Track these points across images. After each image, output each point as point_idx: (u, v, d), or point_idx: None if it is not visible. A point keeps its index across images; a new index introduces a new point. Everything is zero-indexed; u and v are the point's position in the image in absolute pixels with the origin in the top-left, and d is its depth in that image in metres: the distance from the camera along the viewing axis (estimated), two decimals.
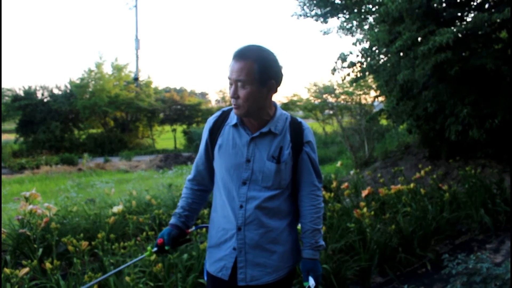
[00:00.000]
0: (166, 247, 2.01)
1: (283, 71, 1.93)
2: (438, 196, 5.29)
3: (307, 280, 1.94)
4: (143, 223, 4.59)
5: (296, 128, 2.00)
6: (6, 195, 9.37)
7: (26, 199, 4.80)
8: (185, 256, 3.63)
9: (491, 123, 5.98)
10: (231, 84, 1.87)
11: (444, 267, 3.48)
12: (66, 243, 3.58)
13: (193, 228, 2.15)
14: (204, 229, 3.78)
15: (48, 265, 3.07)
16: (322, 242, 2.01)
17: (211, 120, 2.09)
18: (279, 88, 1.95)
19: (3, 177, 14.30)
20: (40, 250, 3.92)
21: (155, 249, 2.03)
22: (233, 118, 2.00)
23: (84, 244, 3.42)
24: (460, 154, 7.27)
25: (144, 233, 4.07)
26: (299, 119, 2.05)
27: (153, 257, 3.13)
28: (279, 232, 1.96)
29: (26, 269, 2.94)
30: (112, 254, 3.72)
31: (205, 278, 2.11)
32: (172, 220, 2.08)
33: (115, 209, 4.73)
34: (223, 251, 1.97)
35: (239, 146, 1.96)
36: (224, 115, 2.06)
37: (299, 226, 2.09)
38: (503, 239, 4.66)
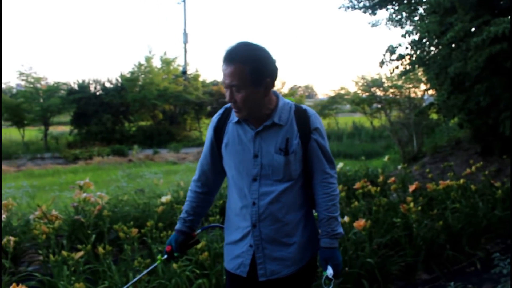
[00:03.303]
0: (175, 254, 2.07)
1: (277, 64, 1.87)
2: (489, 193, 5.12)
3: (326, 270, 1.92)
4: None
5: (301, 116, 1.95)
6: (62, 184, 9.84)
7: (80, 187, 5.04)
8: None
9: None
10: (226, 89, 1.84)
11: (494, 266, 3.38)
12: (117, 230, 3.74)
13: (199, 230, 2.17)
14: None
15: (100, 250, 3.23)
16: (340, 230, 1.96)
17: (214, 118, 2.06)
18: (276, 82, 1.91)
19: (59, 167, 14.98)
20: (93, 236, 4.11)
21: (165, 256, 2.10)
22: (235, 115, 1.96)
23: (134, 231, 3.57)
24: None
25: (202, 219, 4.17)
26: (304, 106, 1.99)
27: (199, 245, 3.22)
28: (294, 225, 1.95)
29: (81, 253, 3.12)
30: (160, 242, 3.85)
31: None
32: (178, 226, 2.10)
33: (164, 199, 4.88)
34: (240, 248, 1.97)
35: (245, 142, 1.93)
36: (227, 113, 2.02)
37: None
38: None
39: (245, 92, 1.80)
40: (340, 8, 8.07)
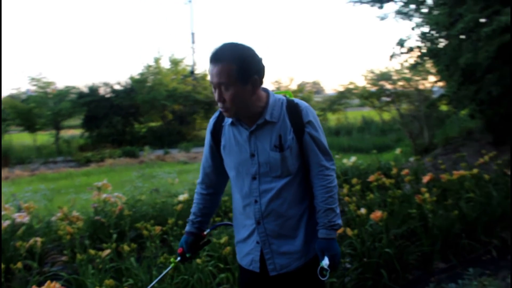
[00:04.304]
0: (187, 255, 2.15)
1: (263, 62, 1.90)
2: (503, 182, 5.13)
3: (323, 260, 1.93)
4: None
5: (293, 111, 1.96)
6: (77, 186, 10.00)
7: (99, 189, 5.16)
8: None
9: None
10: (214, 88, 1.87)
11: (510, 253, 3.42)
12: (140, 228, 3.84)
13: (208, 230, 2.23)
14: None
15: (125, 247, 3.32)
16: (338, 221, 1.97)
17: (211, 122, 2.11)
18: (264, 80, 1.92)
19: (71, 170, 15.16)
20: (115, 235, 4.21)
21: (178, 258, 2.18)
22: (229, 117, 1.99)
23: (157, 228, 3.66)
24: None
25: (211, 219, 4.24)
26: (296, 100, 2.00)
27: (223, 240, 3.30)
28: (298, 219, 1.99)
29: (108, 251, 3.21)
30: (180, 240, 3.93)
31: None
32: (187, 228, 2.20)
33: (181, 197, 4.97)
34: (249, 245, 2.04)
35: (241, 143, 1.98)
36: (222, 115, 2.05)
37: None
38: None
39: (233, 90, 1.83)
40: (348, 2, 8.08)
